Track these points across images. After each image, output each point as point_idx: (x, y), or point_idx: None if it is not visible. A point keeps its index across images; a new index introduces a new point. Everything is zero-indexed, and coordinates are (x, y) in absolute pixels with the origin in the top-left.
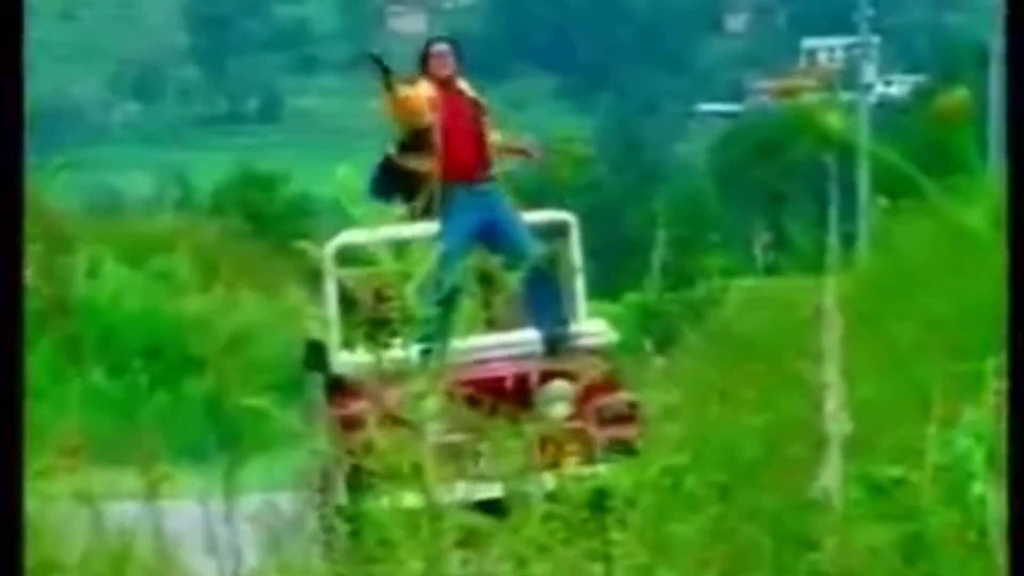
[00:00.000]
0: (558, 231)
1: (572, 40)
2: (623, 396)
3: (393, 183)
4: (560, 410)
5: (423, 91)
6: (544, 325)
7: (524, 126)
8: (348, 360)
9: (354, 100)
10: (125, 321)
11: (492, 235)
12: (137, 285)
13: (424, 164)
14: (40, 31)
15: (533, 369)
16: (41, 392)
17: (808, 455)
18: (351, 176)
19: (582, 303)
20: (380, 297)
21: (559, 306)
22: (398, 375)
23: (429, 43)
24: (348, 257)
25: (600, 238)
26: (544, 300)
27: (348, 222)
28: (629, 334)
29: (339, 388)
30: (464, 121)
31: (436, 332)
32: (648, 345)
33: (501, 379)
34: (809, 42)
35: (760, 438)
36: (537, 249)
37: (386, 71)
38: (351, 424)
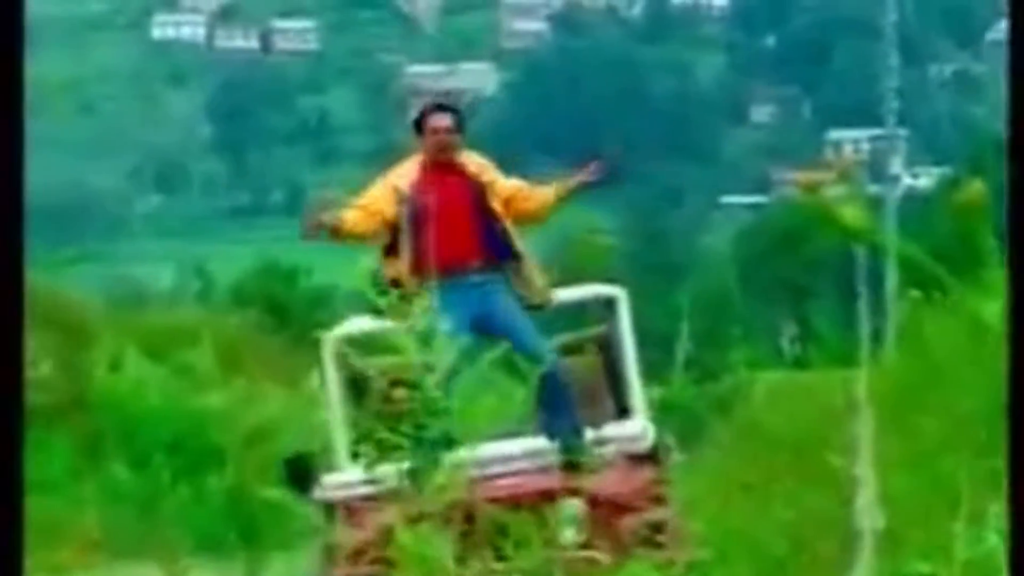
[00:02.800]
0: (605, 308)
1: (595, 131)
2: (651, 516)
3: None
4: (569, 536)
5: (383, 193)
6: (557, 435)
7: (549, 218)
8: (341, 480)
9: None
10: (147, 414)
11: (488, 335)
12: (159, 378)
13: (390, 269)
14: (62, 124)
15: (529, 487)
16: (58, 487)
17: (837, 551)
18: (374, 268)
19: (637, 392)
20: (394, 390)
21: (571, 413)
22: (393, 496)
23: (426, 111)
24: (355, 347)
25: None
26: (555, 407)
27: (371, 314)
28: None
29: (331, 514)
30: (455, 205)
31: (426, 446)
32: (670, 440)
33: (504, 500)
34: (835, 134)
35: (788, 533)
36: (543, 348)
37: (328, 228)
38: (349, 555)
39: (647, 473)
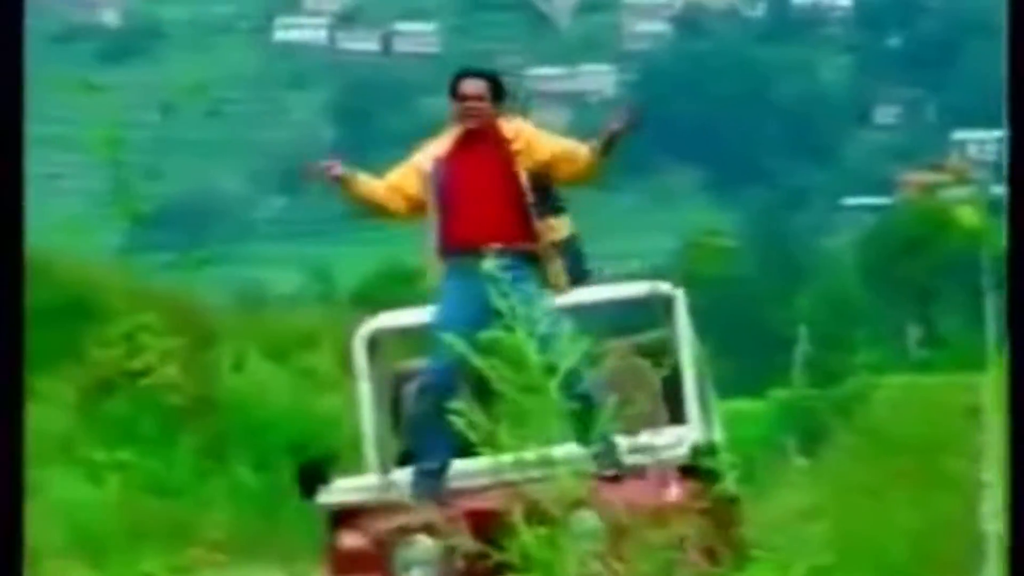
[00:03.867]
0: (661, 308)
1: (718, 133)
2: (680, 531)
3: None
4: (585, 549)
5: (408, 172)
6: (585, 441)
7: (669, 219)
8: (352, 486)
9: None
10: (270, 417)
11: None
12: (282, 380)
13: (426, 248)
14: (186, 128)
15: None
16: (185, 488)
17: (962, 556)
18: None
19: (691, 399)
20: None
21: (598, 418)
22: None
23: (459, 77)
24: (378, 344)
25: (745, 333)
26: (579, 411)
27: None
28: (773, 431)
29: (338, 521)
30: (478, 181)
31: (430, 448)
32: (791, 443)
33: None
34: (960, 135)
35: (911, 539)
36: (570, 359)
37: (337, 179)
38: (352, 565)
39: (686, 485)
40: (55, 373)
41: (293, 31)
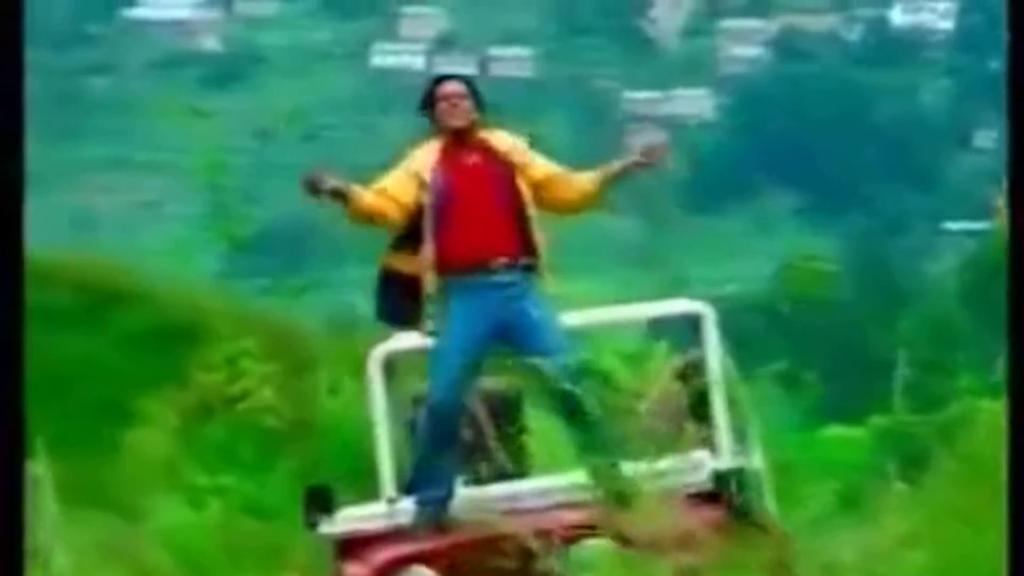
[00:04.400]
0: (689, 327)
1: (817, 157)
2: (690, 560)
3: (394, 297)
4: (593, 573)
5: (401, 179)
6: (593, 470)
7: (768, 244)
8: (356, 515)
9: (595, 218)
10: (362, 441)
11: (511, 346)
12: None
13: (412, 262)
14: (284, 153)
15: (550, 522)
16: (282, 511)
17: None
18: (588, 294)
19: (720, 422)
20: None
21: (601, 438)
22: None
23: (436, 81)
24: (394, 366)
25: (845, 358)
26: (585, 441)
27: (585, 340)
28: (874, 457)
29: (345, 550)
30: (479, 191)
31: (433, 477)
32: (891, 468)
33: (519, 538)
34: None
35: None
36: (570, 377)
37: (336, 192)
38: None
39: (704, 512)
40: (158, 397)
41: (390, 57)
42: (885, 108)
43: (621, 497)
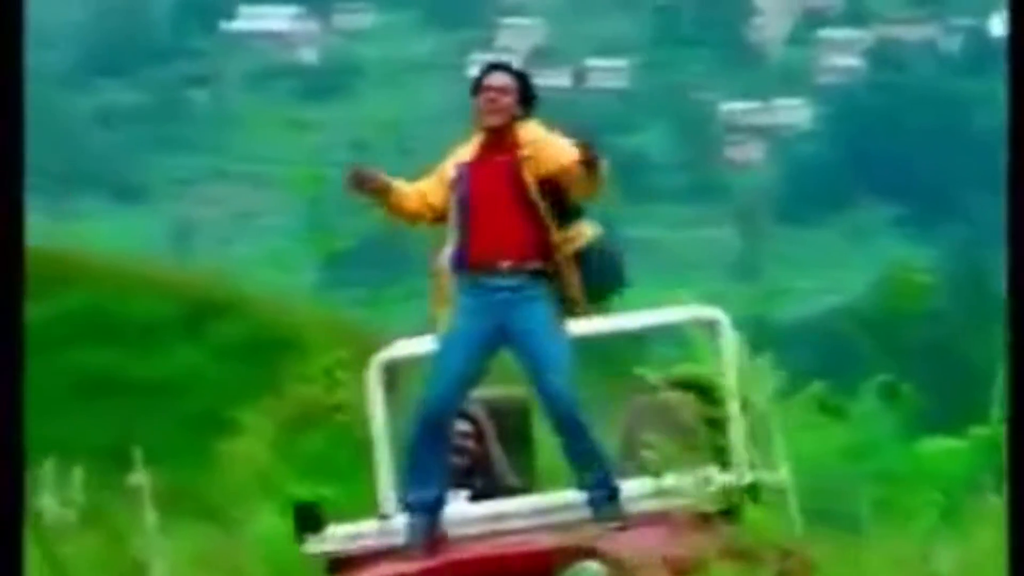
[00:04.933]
0: (707, 336)
1: (914, 167)
2: None
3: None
4: None
5: (435, 180)
6: (587, 489)
7: (865, 255)
8: (345, 533)
9: (692, 230)
10: None
11: (512, 350)
12: None
13: (434, 262)
14: (385, 164)
15: (539, 545)
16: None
17: None
18: (693, 304)
19: (736, 437)
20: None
21: (597, 462)
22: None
23: (485, 71)
24: (396, 374)
25: (944, 369)
26: (579, 448)
27: (682, 350)
28: (974, 469)
29: (335, 569)
30: (493, 189)
31: (423, 480)
32: (989, 481)
33: (509, 558)
34: None
35: None
36: (566, 384)
37: (379, 190)
38: None
39: (709, 533)
40: (255, 407)
41: None
42: (982, 118)
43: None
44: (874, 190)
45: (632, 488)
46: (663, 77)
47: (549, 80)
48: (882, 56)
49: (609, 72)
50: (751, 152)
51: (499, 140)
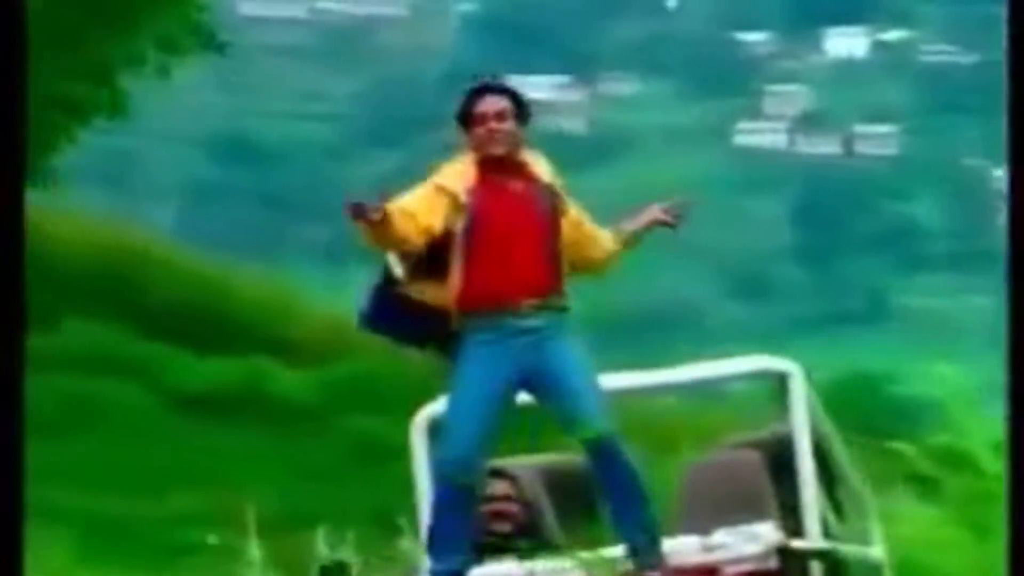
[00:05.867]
0: (775, 387)
1: None
2: None
3: (391, 316)
4: None
5: (430, 199)
6: (627, 533)
7: None
8: None
9: (962, 297)
10: None
11: (537, 396)
12: None
13: (428, 292)
14: (649, 234)
15: None
16: None
17: None
18: (957, 377)
19: (808, 495)
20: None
21: (639, 506)
22: None
23: (475, 92)
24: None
25: None
26: (620, 498)
27: (949, 424)
28: None
29: None
30: (519, 220)
31: (447, 546)
32: None
33: None
34: None
35: None
36: (603, 425)
37: (376, 222)
38: None
39: None
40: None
41: (754, 135)
42: None
43: (647, 568)
44: None
45: (678, 543)
46: (933, 143)
47: (818, 147)
48: None
49: (878, 138)
50: None
51: (502, 164)
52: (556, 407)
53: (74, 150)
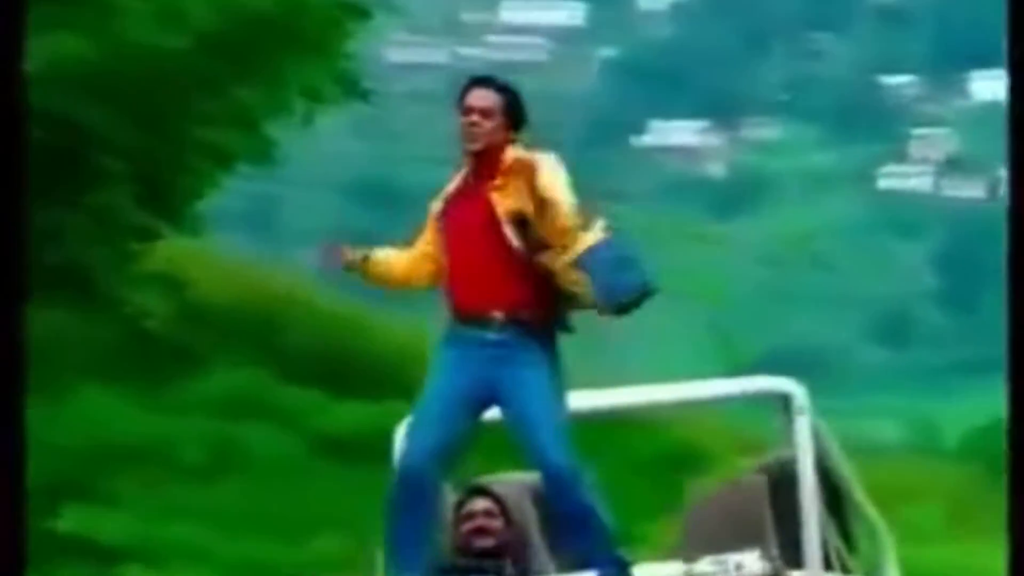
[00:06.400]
0: (779, 408)
1: None
2: None
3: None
4: None
5: (427, 231)
6: (595, 563)
7: None
8: None
9: None
10: None
11: (502, 415)
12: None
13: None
14: (790, 279)
15: None
16: None
17: None
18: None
19: (810, 526)
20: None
21: (598, 537)
22: None
23: (469, 84)
24: None
25: None
26: (583, 531)
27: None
28: None
29: None
30: (478, 226)
31: (403, 559)
32: None
33: None
34: None
35: None
36: (559, 458)
37: (353, 266)
38: None
39: None
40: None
41: (898, 179)
42: None
43: None
44: None
45: (662, 570)
46: None
47: (963, 191)
48: None
49: None
50: None
51: (480, 167)
52: (514, 433)
53: (220, 195)
